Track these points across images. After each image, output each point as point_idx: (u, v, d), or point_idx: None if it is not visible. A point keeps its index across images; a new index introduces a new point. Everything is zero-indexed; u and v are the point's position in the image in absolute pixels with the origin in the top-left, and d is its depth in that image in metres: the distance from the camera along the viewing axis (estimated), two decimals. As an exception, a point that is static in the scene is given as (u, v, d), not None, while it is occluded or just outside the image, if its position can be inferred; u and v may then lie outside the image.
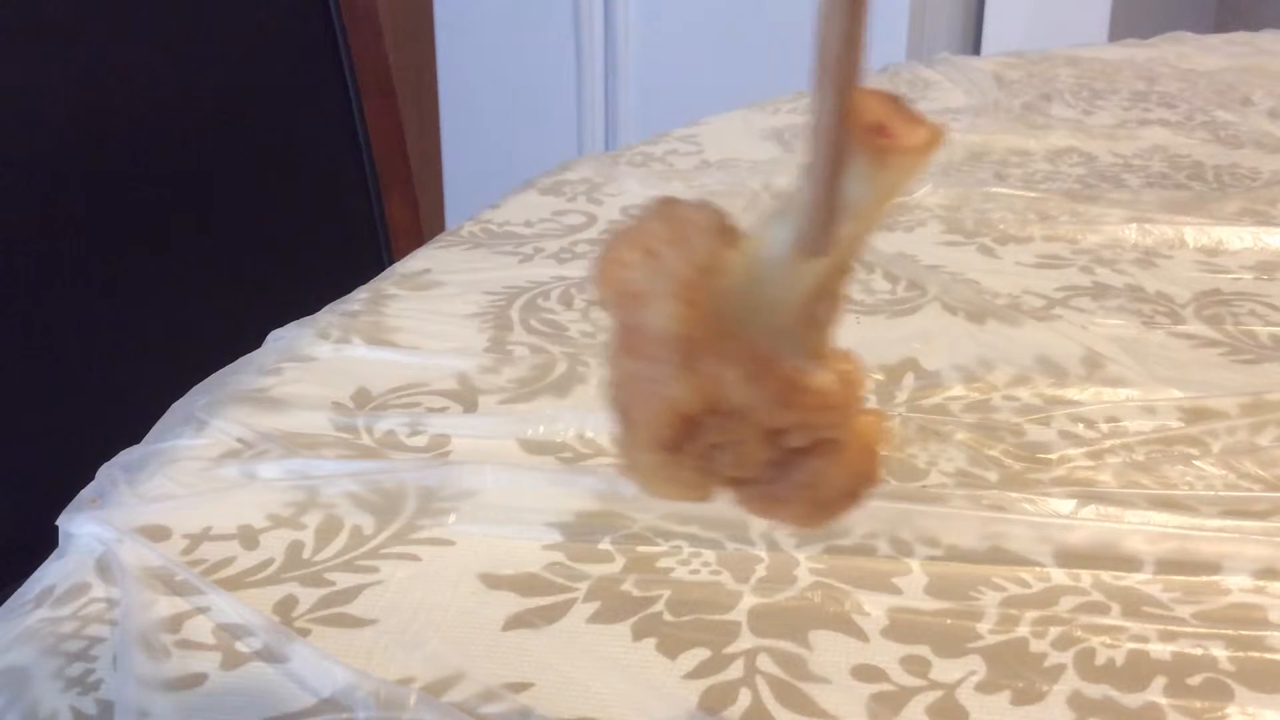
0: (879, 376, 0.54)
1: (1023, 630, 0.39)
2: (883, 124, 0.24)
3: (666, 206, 0.26)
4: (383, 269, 0.68)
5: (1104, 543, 0.42)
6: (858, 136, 0.24)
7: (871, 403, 0.28)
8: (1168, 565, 0.42)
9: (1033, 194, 0.77)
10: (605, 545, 0.43)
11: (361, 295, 0.64)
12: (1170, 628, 0.39)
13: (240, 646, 0.38)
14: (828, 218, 0.24)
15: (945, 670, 0.37)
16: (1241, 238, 0.70)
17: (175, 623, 0.39)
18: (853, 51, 0.23)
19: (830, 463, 0.27)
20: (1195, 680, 0.37)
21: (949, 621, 0.39)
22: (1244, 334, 0.59)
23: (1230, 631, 0.39)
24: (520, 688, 0.37)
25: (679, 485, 0.28)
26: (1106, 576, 0.41)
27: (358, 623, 0.40)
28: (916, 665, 0.38)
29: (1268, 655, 0.38)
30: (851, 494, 0.28)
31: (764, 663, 0.38)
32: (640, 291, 0.25)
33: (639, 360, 0.26)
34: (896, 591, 0.41)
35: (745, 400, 0.26)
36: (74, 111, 0.82)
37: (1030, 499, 0.44)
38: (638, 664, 0.38)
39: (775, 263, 0.25)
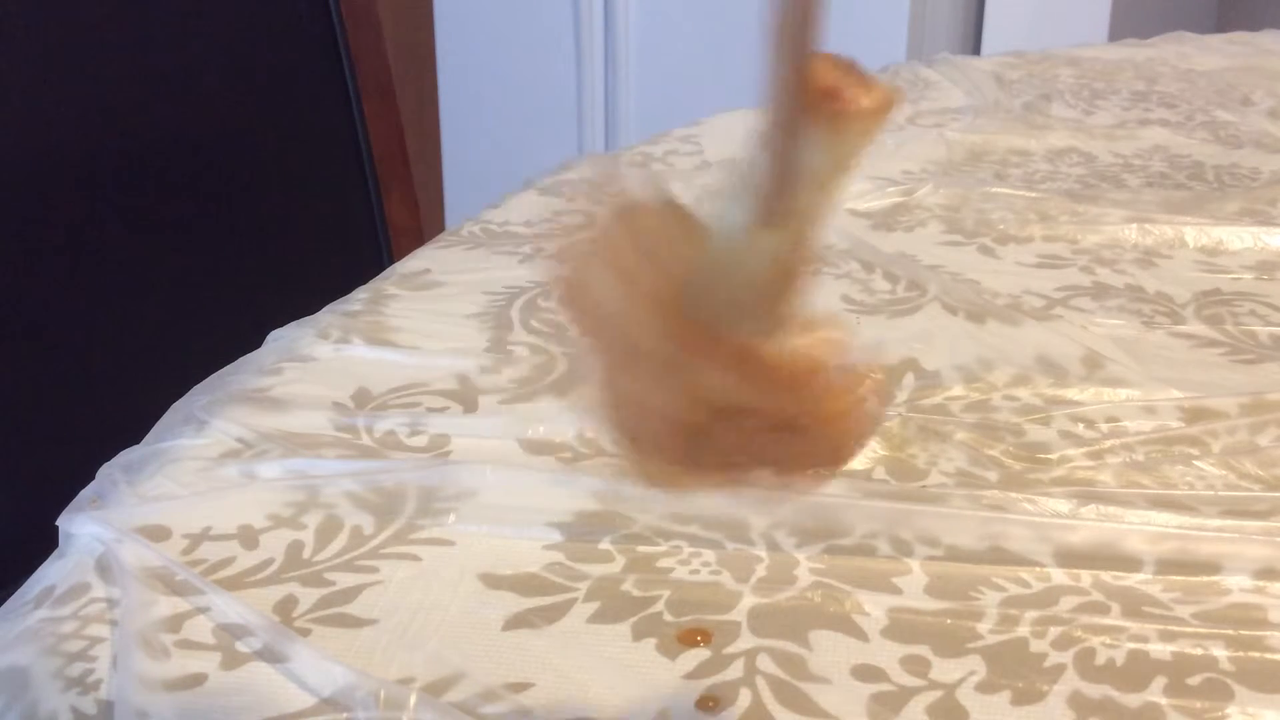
0: (879, 376, 0.54)
1: (1023, 630, 0.39)
2: (835, 88, 0.23)
3: (626, 215, 0.26)
4: (383, 269, 0.68)
5: (1104, 543, 0.42)
6: (811, 102, 0.23)
7: (850, 369, 0.28)
8: (1168, 565, 0.42)
9: (1033, 194, 0.77)
10: (605, 545, 0.43)
11: (361, 295, 0.64)
12: (1170, 628, 0.39)
13: (240, 646, 0.38)
14: (784, 187, 0.24)
15: (945, 670, 0.37)
16: (1241, 238, 0.70)
17: (175, 623, 0.39)
18: (809, 15, 0.23)
19: (807, 436, 0.28)
20: (1195, 680, 0.37)
21: (949, 621, 0.39)
22: (1244, 334, 0.59)
23: (1230, 631, 0.39)
24: (520, 688, 0.37)
25: (697, 481, 0.29)
26: (1106, 576, 0.41)
27: (358, 623, 0.39)
28: (916, 665, 0.38)
29: (1268, 655, 0.38)
30: (839, 453, 0.29)
31: (764, 663, 0.38)
32: (618, 314, 0.26)
33: (631, 381, 0.27)
34: (896, 591, 0.41)
35: (738, 398, 0.26)
36: (74, 111, 0.82)
37: (1030, 499, 0.44)
38: (638, 664, 0.38)
39: (735, 242, 0.25)
